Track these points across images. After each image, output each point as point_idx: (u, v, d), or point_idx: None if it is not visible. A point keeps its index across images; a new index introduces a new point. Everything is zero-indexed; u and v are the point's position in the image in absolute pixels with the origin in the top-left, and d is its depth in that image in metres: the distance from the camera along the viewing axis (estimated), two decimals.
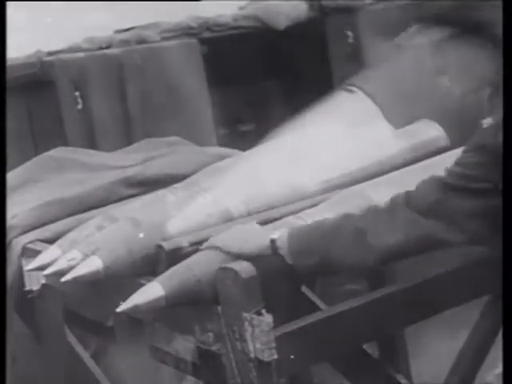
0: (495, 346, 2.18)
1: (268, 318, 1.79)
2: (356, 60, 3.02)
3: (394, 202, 1.85)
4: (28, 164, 2.67)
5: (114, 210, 2.28)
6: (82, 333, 2.39)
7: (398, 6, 2.56)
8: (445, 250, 1.85)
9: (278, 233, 1.87)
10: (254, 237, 1.91)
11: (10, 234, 2.28)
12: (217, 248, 1.91)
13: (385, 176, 2.23)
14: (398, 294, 2.01)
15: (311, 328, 1.89)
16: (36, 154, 2.77)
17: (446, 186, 1.79)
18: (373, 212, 1.86)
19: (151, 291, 1.87)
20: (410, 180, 1.92)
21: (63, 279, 2.00)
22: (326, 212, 2.04)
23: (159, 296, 1.86)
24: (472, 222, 1.77)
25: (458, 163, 1.81)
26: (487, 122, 1.77)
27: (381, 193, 2.05)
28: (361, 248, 1.81)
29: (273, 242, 1.86)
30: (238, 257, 1.87)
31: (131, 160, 2.62)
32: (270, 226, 2.01)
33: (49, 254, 2.12)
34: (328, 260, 1.84)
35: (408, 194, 1.83)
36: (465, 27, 2.29)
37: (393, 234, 1.80)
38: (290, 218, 2.04)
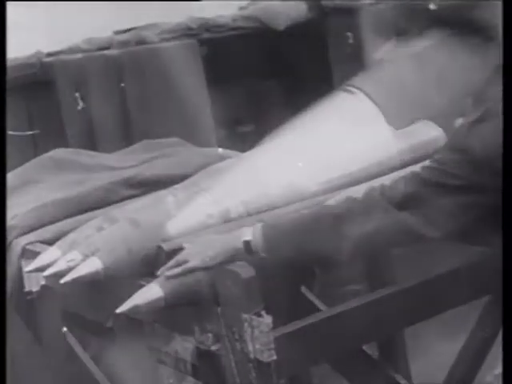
0: (495, 346, 2.18)
1: (267, 319, 1.79)
2: (356, 60, 3.01)
3: (369, 193, 1.86)
4: (28, 165, 2.67)
5: (113, 210, 2.29)
6: (81, 334, 2.39)
7: (398, 6, 2.56)
8: (423, 244, 1.86)
9: (250, 233, 1.88)
10: (222, 243, 1.91)
11: (9, 235, 2.28)
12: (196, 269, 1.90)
13: (385, 177, 2.23)
14: (398, 294, 2.01)
15: (311, 329, 1.89)
16: (36, 154, 2.77)
17: (421, 180, 1.80)
18: (349, 202, 1.87)
19: (151, 292, 1.87)
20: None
21: (63, 280, 2.00)
22: None
23: (158, 297, 1.86)
24: (447, 218, 1.79)
25: (434, 160, 1.82)
26: (458, 122, 1.79)
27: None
28: (337, 238, 1.81)
29: (247, 243, 1.86)
30: (213, 267, 1.87)
31: (131, 161, 2.63)
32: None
33: (48, 255, 2.12)
34: (305, 251, 1.85)
35: (383, 186, 1.85)
36: (464, 27, 2.30)
37: (368, 224, 1.81)
38: None
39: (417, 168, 1.86)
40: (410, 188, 1.81)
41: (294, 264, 1.96)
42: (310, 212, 1.92)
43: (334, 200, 1.97)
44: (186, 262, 1.89)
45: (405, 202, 1.80)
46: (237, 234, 1.92)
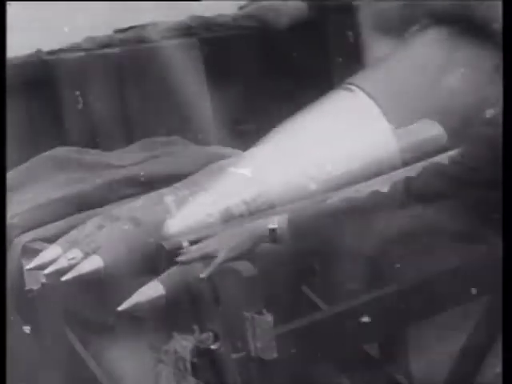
0: (495, 345, 2.18)
1: (269, 318, 1.79)
2: (356, 60, 3.01)
3: (394, 187, 1.86)
4: (28, 164, 2.67)
5: (114, 209, 2.29)
6: (82, 332, 2.39)
7: (399, 5, 2.56)
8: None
9: (276, 221, 1.88)
10: (247, 231, 1.92)
11: (10, 234, 2.28)
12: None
13: (385, 176, 2.23)
14: (399, 294, 2.01)
15: (311, 327, 1.90)
16: (36, 154, 2.77)
17: (444, 174, 1.80)
18: (374, 196, 1.87)
19: (152, 290, 1.87)
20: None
21: (64, 278, 2.00)
22: None
23: (160, 295, 1.87)
24: (470, 212, 1.79)
25: (460, 153, 1.82)
26: (490, 112, 1.78)
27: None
28: (361, 231, 1.82)
29: (272, 231, 1.87)
30: (240, 257, 1.87)
31: (131, 159, 2.63)
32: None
33: (49, 253, 2.13)
34: (329, 243, 1.86)
35: (408, 180, 1.85)
36: (465, 26, 2.30)
37: (392, 218, 1.81)
38: None
39: (441, 161, 1.86)
40: (434, 182, 1.80)
41: (318, 254, 1.97)
42: (336, 204, 1.92)
43: (359, 193, 1.97)
44: (213, 256, 1.89)
45: (429, 197, 1.80)
46: (262, 222, 1.92)
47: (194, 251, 1.93)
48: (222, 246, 1.89)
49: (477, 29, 2.30)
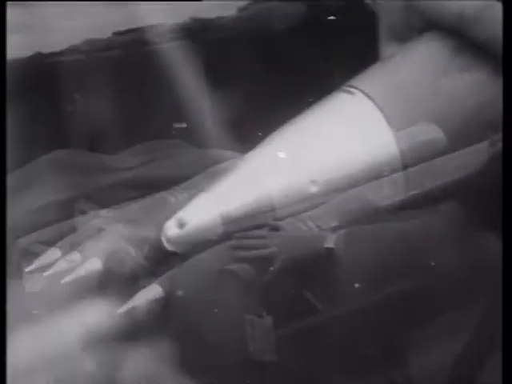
0: (495, 346, 2.18)
1: (268, 320, 1.79)
2: (356, 61, 3.01)
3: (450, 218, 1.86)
4: (28, 166, 2.67)
5: (113, 211, 2.29)
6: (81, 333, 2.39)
7: (400, 6, 2.56)
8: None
9: (333, 240, 1.89)
10: (305, 244, 1.92)
11: (9, 236, 2.28)
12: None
13: (385, 178, 2.24)
14: (399, 294, 2.01)
15: (311, 329, 1.90)
16: (36, 155, 2.77)
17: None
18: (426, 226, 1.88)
19: (151, 292, 1.88)
20: (409, 182, 1.93)
21: (63, 281, 2.00)
22: (326, 215, 2.05)
23: (159, 297, 1.87)
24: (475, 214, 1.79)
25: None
26: None
27: (381, 195, 2.06)
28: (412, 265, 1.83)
29: (328, 250, 1.88)
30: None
31: (131, 162, 2.63)
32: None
33: (49, 255, 2.13)
34: (386, 273, 1.87)
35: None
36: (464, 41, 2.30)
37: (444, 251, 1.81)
38: (291, 220, 2.05)
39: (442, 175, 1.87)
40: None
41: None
42: (392, 235, 1.93)
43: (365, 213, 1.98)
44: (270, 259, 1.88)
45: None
46: (320, 238, 1.92)
47: (251, 251, 1.92)
48: (280, 251, 1.89)
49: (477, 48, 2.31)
